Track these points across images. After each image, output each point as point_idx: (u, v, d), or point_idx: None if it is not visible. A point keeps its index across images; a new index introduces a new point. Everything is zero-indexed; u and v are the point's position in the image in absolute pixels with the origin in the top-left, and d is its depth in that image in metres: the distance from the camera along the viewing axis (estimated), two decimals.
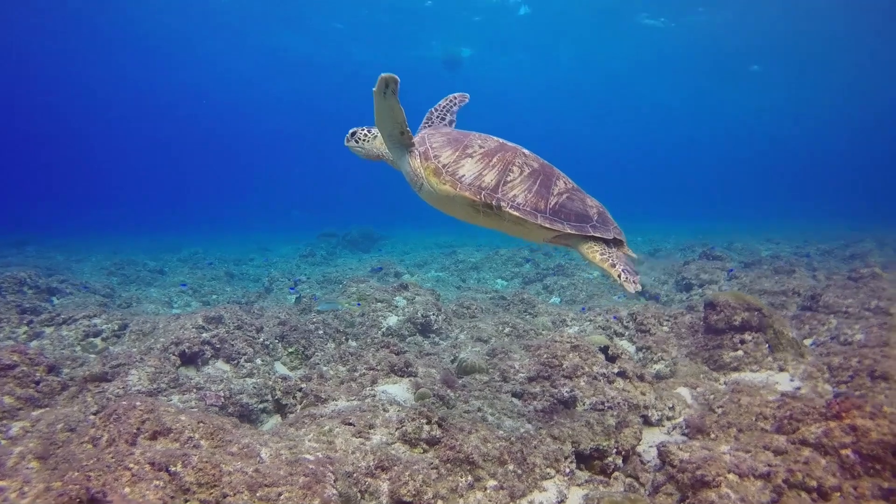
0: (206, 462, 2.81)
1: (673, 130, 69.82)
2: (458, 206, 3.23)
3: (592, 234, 3.09)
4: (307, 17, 29.01)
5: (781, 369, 5.07)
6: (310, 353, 6.00)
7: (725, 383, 5.12)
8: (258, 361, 5.61)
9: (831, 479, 2.87)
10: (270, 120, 67.79)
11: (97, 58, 36.88)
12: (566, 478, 3.54)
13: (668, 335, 6.27)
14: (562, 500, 3.42)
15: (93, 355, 5.66)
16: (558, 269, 12.06)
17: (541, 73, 40.09)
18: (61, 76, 43.38)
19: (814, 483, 2.87)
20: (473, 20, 30.15)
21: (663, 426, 4.42)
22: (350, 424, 3.71)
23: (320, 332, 6.37)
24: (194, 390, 4.68)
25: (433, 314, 7.15)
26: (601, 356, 5.12)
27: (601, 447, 3.73)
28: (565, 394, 4.60)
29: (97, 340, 5.99)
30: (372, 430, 3.69)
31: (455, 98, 4.07)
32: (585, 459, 3.77)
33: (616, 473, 3.67)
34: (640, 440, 3.90)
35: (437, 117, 3.97)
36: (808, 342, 5.93)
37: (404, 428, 3.68)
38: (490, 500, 3.27)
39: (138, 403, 3.37)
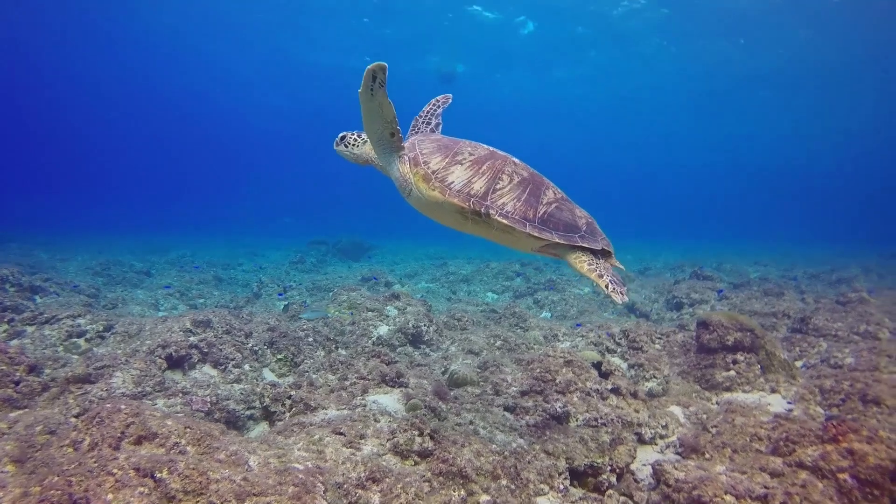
0: (193, 469, 2.72)
1: (665, 153, 70.88)
2: (447, 213, 3.21)
3: (581, 244, 3.08)
4: (307, 24, 29.00)
5: (773, 390, 5.07)
6: (299, 361, 5.90)
7: (718, 403, 5.10)
8: (246, 367, 5.50)
9: (829, 503, 2.85)
10: (265, 126, 67.62)
11: (91, 54, 36.54)
12: (560, 494, 3.49)
13: (660, 353, 6.26)
14: None
15: (76, 356, 5.51)
16: (549, 284, 12.06)
17: (538, 90, 40.43)
18: (53, 73, 43.00)
19: None
20: (473, 36, 30.31)
21: (656, 444, 4.38)
22: (340, 434, 3.63)
23: (310, 339, 6.27)
24: (180, 395, 4.57)
25: (424, 325, 7.09)
26: (594, 372, 5.09)
27: (595, 464, 3.68)
28: (558, 409, 4.55)
29: (81, 341, 5.84)
30: (363, 441, 3.62)
31: (438, 101, 4.07)
32: (579, 476, 3.71)
33: (610, 491, 3.62)
34: (634, 458, 3.86)
35: (423, 122, 3.97)
36: (798, 364, 5.95)
37: (396, 439, 3.60)
38: None
39: (123, 406, 3.27)
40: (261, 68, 39.28)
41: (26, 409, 3.94)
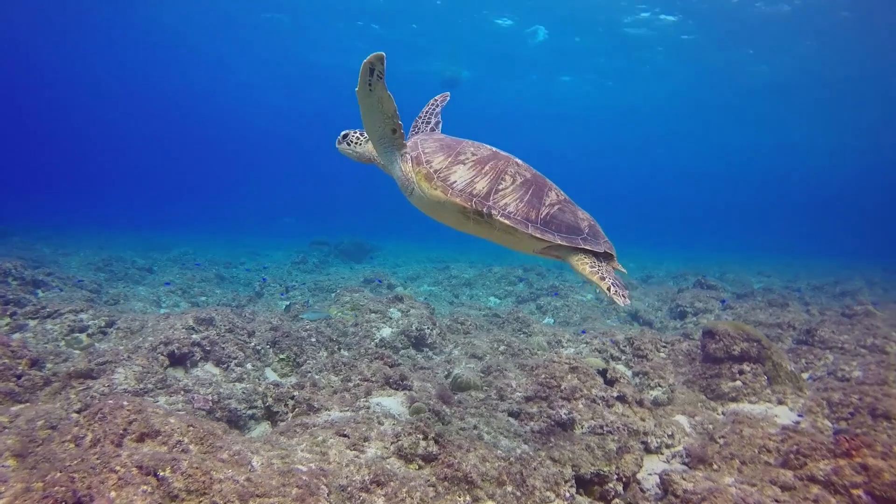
0: (197, 468, 2.68)
1: (668, 160, 70.92)
2: (449, 213, 3.17)
3: (583, 246, 3.05)
4: (310, 24, 28.97)
5: (780, 402, 5.02)
6: (301, 361, 5.86)
7: (724, 413, 5.05)
8: (248, 366, 5.46)
9: None
10: (266, 126, 67.85)
11: (93, 53, 36.62)
12: (566, 503, 3.44)
13: (665, 362, 6.21)
14: None
15: (77, 351, 5.48)
16: (553, 290, 12.01)
17: (545, 96, 40.44)
18: (56, 71, 43.22)
19: None
20: (484, 43, 30.24)
21: (662, 454, 4.33)
22: (344, 436, 3.58)
23: (313, 339, 6.23)
24: (182, 392, 4.53)
25: (428, 328, 7.05)
26: (600, 379, 5.04)
27: (602, 472, 3.64)
28: (563, 416, 4.51)
29: (82, 336, 5.81)
30: (367, 443, 3.57)
31: (437, 100, 4.06)
32: (585, 484, 3.66)
33: (616, 501, 3.57)
34: (641, 467, 3.81)
35: (423, 122, 3.95)
36: (805, 376, 5.90)
37: (400, 442, 3.56)
38: None
39: (125, 403, 3.23)
40: (263, 68, 39.34)
41: (28, 404, 3.91)
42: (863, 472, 2.88)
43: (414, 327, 6.95)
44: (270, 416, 4.44)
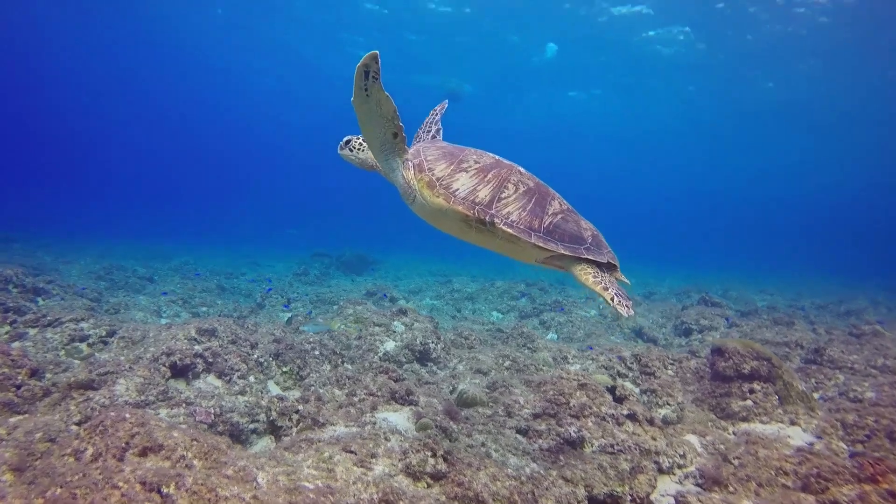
0: (202, 485, 2.60)
1: (671, 179, 71.28)
2: (451, 221, 3.12)
3: (586, 255, 3.01)
4: (315, 32, 29.11)
5: (793, 423, 4.93)
6: (304, 374, 5.76)
7: (735, 433, 4.96)
8: (251, 379, 5.37)
9: None
10: (269, 136, 68.18)
11: (95, 60, 36.81)
12: None
13: (673, 379, 6.12)
14: None
15: (77, 361, 5.39)
16: (556, 306, 11.93)
17: (552, 112, 40.65)
18: (58, 77, 43.46)
19: None
20: (492, 58, 30.40)
21: (674, 474, 4.23)
22: (351, 452, 3.49)
23: (316, 352, 6.14)
24: (183, 405, 4.43)
25: (432, 342, 6.96)
26: (609, 396, 4.96)
27: (615, 493, 3.54)
28: (572, 433, 4.42)
29: (83, 346, 5.72)
30: (374, 460, 3.48)
31: (435, 110, 4.06)
32: None
33: None
34: (654, 488, 3.71)
35: (424, 132, 3.94)
36: (815, 396, 5.80)
37: (408, 459, 3.47)
38: None
39: (128, 415, 3.15)
40: (266, 78, 39.57)
41: (26, 415, 3.81)
42: (891, 499, 2.79)
43: (418, 341, 6.86)
44: (274, 430, 4.34)
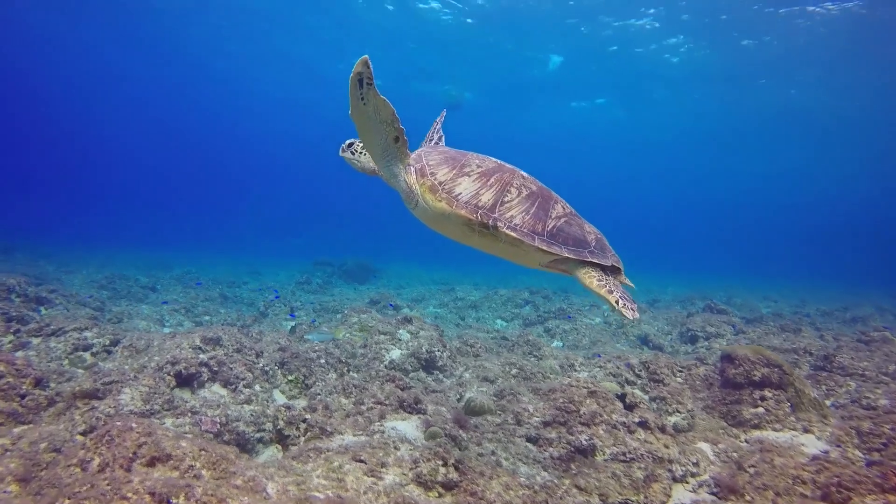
0: (212, 496, 2.54)
1: (674, 187, 71.41)
2: (453, 225, 3.10)
3: (590, 259, 2.99)
4: (318, 37, 29.13)
5: (806, 430, 4.85)
6: (310, 383, 5.70)
7: (747, 441, 4.89)
8: (257, 388, 5.30)
9: None
10: (272, 145, 68.44)
11: (94, 67, 36.88)
12: None
13: (682, 387, 6.05)
14: None
15: (80, 370, 5.34)
16: (562, 313, 11.87)
17: (554, 121, 40.74)
18: (59, 86, 43.66)
19: None
20: (495, 67, 30.45)
21: (688, 483, 4.16)
22: (361, 461, 3.44)
23: (322, 361, 6.08)
24: (189, 414, 4.37)
25: (438, 350, 6.90)
26: (619, 404, 4.90)
27: (630, 502, 3.48)
28: (583, 442, 4.35)
29: (86, 355, 5.67)
30: (384, 469, 3.43)
31: (437, 121, 4.09)
32: None
33: None
34: (669, 496, 3.65)
35: (426, 141, 3.98)
36: (827, 403, 5.73)
37: (419, 469, 3.41)
38: None
39: (134, 425, 3.10)
40: (269, 87, 39.67)
41: (31, 425, 3.76)
42: None
43: (424, 349, 6.80)
44: (281, 439, 4.28)
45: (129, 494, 2.40)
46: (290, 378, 5.71)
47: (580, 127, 41.40)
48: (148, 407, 4.25)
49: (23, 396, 3.86)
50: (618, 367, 6.63)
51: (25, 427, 3.71)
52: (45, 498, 2.59)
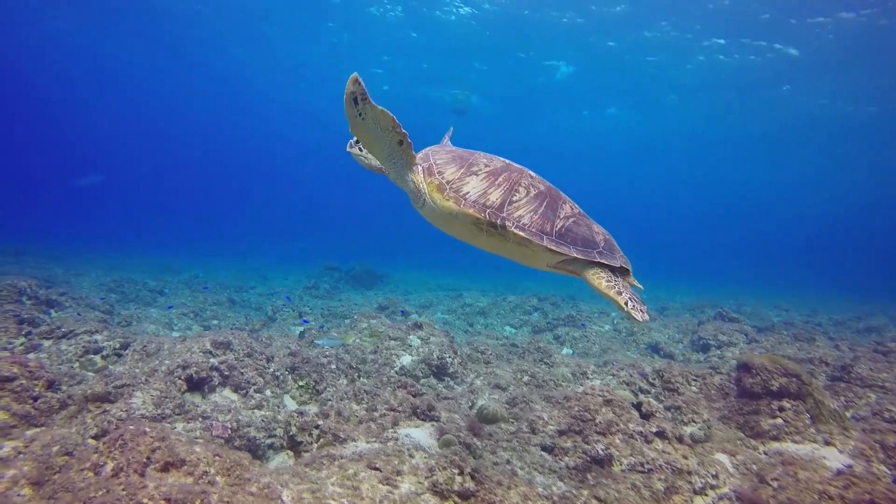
0: (227, 502, 2.49)
1: (682, 195, 71.18)
2: (461, 225, 3.05)
3: (599, 259, 2.94)
4: (326, 39, 29.26)
5: (827, 443, 4.75)
6: (321, 388, 5.65)
7: (766, 452, 4.78)
8: (268, 393, 5.25)
9: None
10: (280, 151, 68.76)
11: (103, 70, 37.16)
12: None
13: (697, 396, 5.96)
14: None
15: (91, 373, 5.32)
16: (572, 320, 11.78)
17: (564, 129, 40.74)
18: (73, 89, 44.02)
19: None
20: (504, 75, 30.50)
21: (707, 495, 4.07)
22: (376, 469, 3.38)
23: (333, 366, 6.03)
24: (200, 419, 4.33)
25: (449, 357, 6.84)
26: (636, 413, 4.82)
27: None
28: (600, 451, 4.27)
29: (97, 358, 5.64)
30: (400, 478, 3.36)
31: (445, 137, 4.12)
32: None
33: None
34: None
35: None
36: (847, 415, 5.62)
37: (435, 477, 3.35)
38: None
39: (148, 429, 3.06)
40: (277, 97, 39.90)
41: (43, 427, 3.72)
42: None
43: (435, 356, 6.74)
44: (294, 445, 4.23)
45: (145, 500, 2.35)
46: (300, 383, 5.66)
47: (590, 135, 41.37)
48: (159, 411, 4.21)
49: (36, 399, 3.83)
50: (631, 376, 6.54)
51: (38, 430, 3.67)
52: (59, 502, 2.54)
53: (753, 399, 5.44)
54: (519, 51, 26.93)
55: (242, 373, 5.29)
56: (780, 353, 8.26)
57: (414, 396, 5.05)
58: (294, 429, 4.22)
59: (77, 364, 5.50)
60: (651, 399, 6.04)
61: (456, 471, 3.39)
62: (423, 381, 6.44)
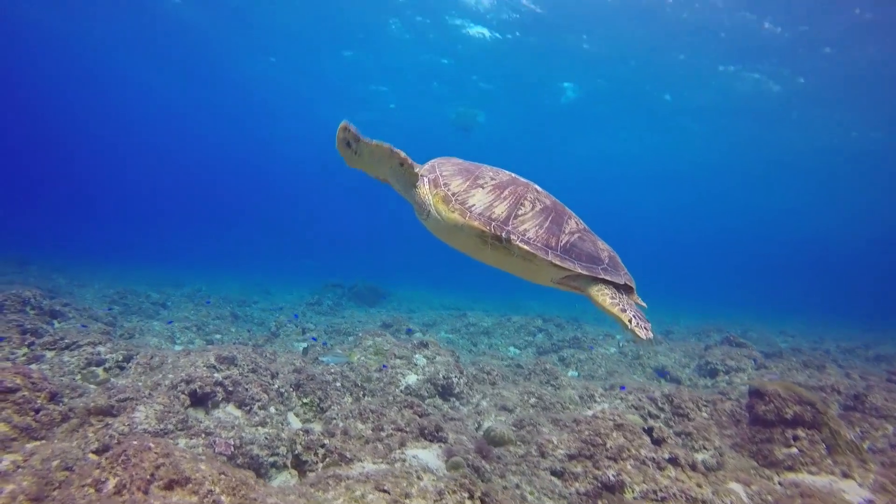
0: None
1: (686, 221, 71.26)
2: (466, 237, 3.02)
3: (603, 276, 2.91)
4: (337, 55, 29.51)
5: (846, 475, 4.62)
6: (325, 406, 5.55)
7: (781, 483, 4.66)
8: (272, 410, 5.16)
9: None
10: (285, 168, 69.22)
11: (106, 79, 37.48)
12: None
13: (708, 422, 5.84)
14: None
15: (93, 385, 5.24)
16: (574, 342, 11.65)
17: (569, 153, 41.00)
18: (79, 99, 44.43)
19: None
20: (509, 97, 30.75)
21: None
22: (384, 491, 3.28)
23: (338, 384, 5.94)
24: (203, 435, 4.24)
25: (455, 377, 6.73)
26: (647, 438, 4.71)
27: None
28: (611, 477, 4.16)
29: (99, 370, 5.57)
30: (408, 500, 3.26)
31: None
32: None
33: None
34: None
35: None
36: (864, 446, 5.49)
37: (444, 501, 3.25)
38: None
39: (152, 445, 2.97)
40: (283, 120, 40.21)
41: (43, 441, 3.64)
42: None
43: (441, 375, 6.64)
44: (298, 464, 4.13)
45: None
46: (305, 401, 5.57)
47: (597, 158, 41.57)
48: (162, 426, 4.12)
49: (37, 411, 3.75)
50: (640, 400, 6.42)
51: (38, 443, 3.59)
52: None
53: (766, 427, 5.33)
54: (529, 72, 27.14)
55: (247, 389, 5.21)
56: (790, 380, 8.13)
57: (420, 416, 4.95)
58: (300, 447, 4.12)
59: (79, 376, 5.42)
60: (661, 424, 5.92)
61: (466, 494, 3.29)
62: (428, 400, 6.33)
